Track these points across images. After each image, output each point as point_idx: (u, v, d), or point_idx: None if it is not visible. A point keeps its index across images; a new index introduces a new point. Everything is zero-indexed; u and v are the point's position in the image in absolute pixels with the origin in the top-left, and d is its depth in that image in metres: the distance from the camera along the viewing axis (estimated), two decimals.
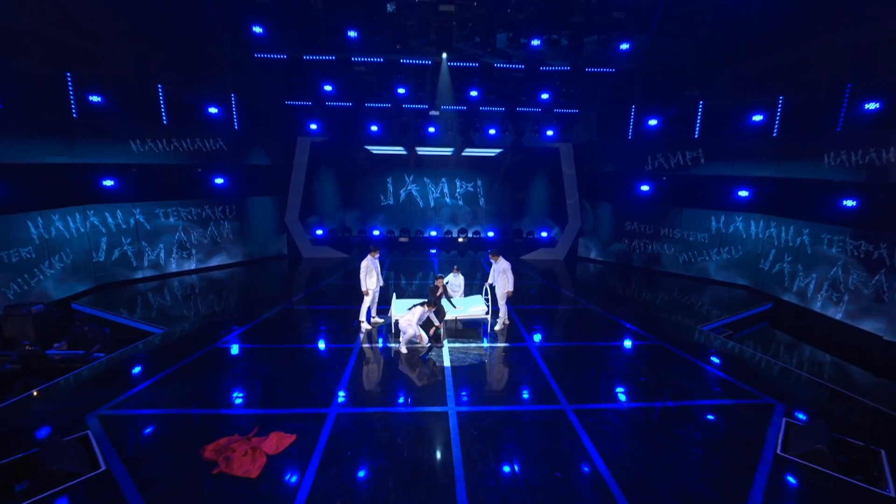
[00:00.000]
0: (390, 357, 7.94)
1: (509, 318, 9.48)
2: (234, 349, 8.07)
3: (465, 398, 6.48)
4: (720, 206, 12.92)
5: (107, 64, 11.20)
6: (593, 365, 7.70)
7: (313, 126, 15.78)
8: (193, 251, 13.23)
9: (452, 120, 17.06)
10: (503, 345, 8.51)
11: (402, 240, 18.85)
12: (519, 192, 18.88)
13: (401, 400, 6.45)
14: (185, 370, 7.17)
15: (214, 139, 13.20)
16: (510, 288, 9.00)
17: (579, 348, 8.42)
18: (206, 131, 13.06)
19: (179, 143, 12.47)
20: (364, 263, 8.92)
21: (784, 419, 6.04)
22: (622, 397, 6.65)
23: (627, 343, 8.69)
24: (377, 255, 9.14)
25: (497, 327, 9.17)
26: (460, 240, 18.99)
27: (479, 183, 18.86)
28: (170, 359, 7.54)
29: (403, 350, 7.98)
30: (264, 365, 7.44)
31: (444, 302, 8.85)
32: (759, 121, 11.96)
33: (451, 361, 7.69)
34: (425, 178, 18.70)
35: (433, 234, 19.05)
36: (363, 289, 8.94)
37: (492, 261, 9.24)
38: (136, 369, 7.23)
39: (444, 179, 18.72)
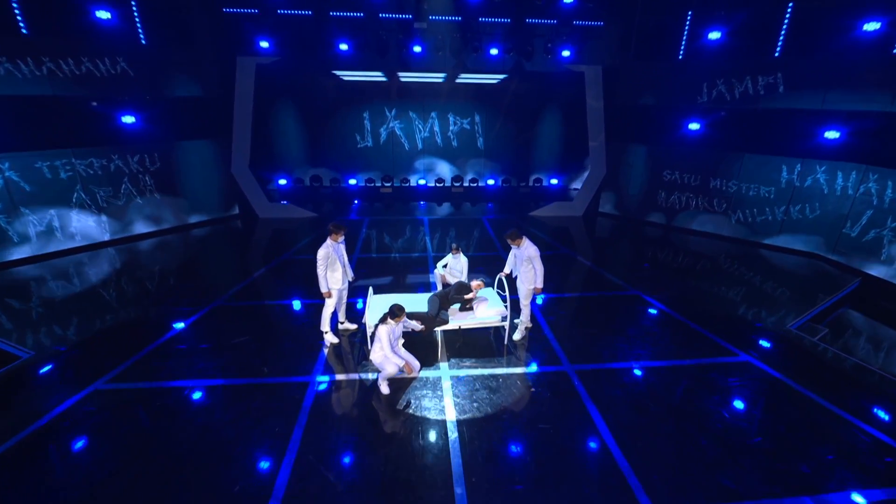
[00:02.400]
0: (365, 400, 5.25)
1: (532, 320, 6.82)
2: (120, 397, 5.27)
3: (482, 498, 3.91)
4: (797, 151, 9.91)
5: None
6: (669, 408, 5.13)
7: (264, 44, 11.87)
8: (104, 218, 9.96)
9: (444, 36, 13.23)
10: (529, 370, 5.86)
11: (385, 190, 15.64)
12: (526, 129, 15.49)
13: None
14: (17, 453, 4.39)
15: (112, 59, 9.41)
16: (539, 284, 6.20)
17: (639, 373, 5.83)
18: (95, 47, 9.21)
19: (57, 65, 8.71)
20: (322, 252, 5.94)
21: None
22: (732, 486, 4.14)
23: (703, 361, 6.11)
24: (341, 238, 6.15)
25: (517, 336, 6.50)
26: (455, 190, 15.84)
27: (477, 119, 15.35)
28: (8, 426, 4.74)
29: (385, 390, 5.31)
30: (158, 435, 4.69)
31: (448, 312, 6.13)
32: (874, 31, 8.62)
33: (456, 408, 5.05)
34: (411, 113, 15.10)
35: (422, 182, 15.84)
36: (323, 290, 6.05)
37: (511, 245, 6.34)
38: None
39: (433, 114, 15.16)
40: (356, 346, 6.36)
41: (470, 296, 6.21)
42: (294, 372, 5.70)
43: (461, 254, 7.25)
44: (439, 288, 7.41)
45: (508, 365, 5.94)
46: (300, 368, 5.78)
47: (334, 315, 6.57)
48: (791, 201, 10.15)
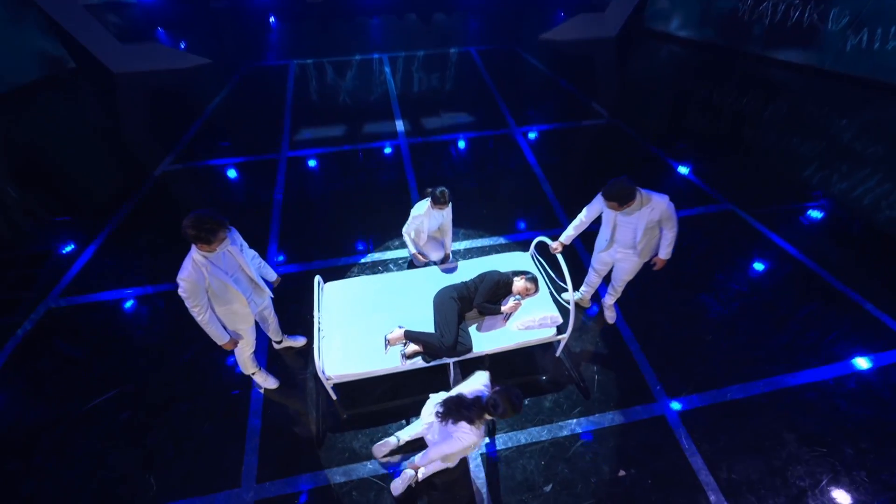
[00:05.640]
0: None
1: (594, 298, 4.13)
2: None
3: None
4: None
5: None
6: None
7: None
8: None
9: None
10: (607, 423, 3.42)
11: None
12: None
13: None
14: None
15: None
16: (666, 254, 3.27)
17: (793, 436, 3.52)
18: None
19: None
20: (187, 286, 2.55)
21: None
22: None
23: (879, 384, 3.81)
24: (222, 243, 2.64)
25: (610, 316, 3.90)
26: None
27: None
28: None
29: (398, 490, 2.90)
30: None
31: (468, 330, 3.28)
32: None
33: None
34: None
35: None
36: (221, 342, 2.91)
37: (616, 210, 3.07)
38: None
39: None
40: (310, 383, 3.64)
41: (509, 307, 3.30)
42: (211, 483, 3.08)
43: (449, 206, 3.57)
44: (413, 252, 4.01)
45: (568, 411, 3.48)
46: (221, 468, 3.15)
47: (261, 341, 3.64)
48: None
